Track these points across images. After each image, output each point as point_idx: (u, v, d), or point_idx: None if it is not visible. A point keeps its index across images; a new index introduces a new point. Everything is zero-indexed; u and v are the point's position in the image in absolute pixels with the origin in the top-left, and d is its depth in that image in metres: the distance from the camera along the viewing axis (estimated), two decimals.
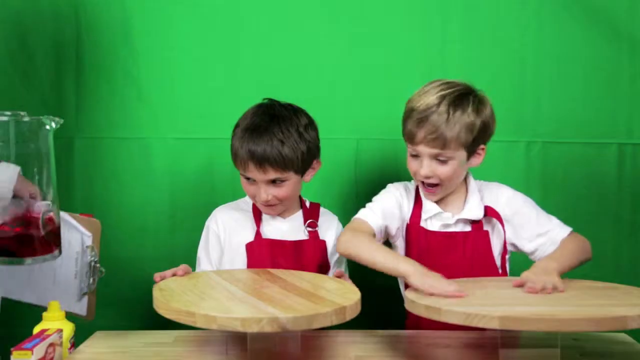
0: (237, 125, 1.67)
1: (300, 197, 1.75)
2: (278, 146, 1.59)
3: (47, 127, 1.27)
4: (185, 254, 2.00)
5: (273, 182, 1.62)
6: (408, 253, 1.65)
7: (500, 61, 1.99)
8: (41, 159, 1.26)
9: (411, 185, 1.70)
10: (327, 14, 1.99)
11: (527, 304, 1.29)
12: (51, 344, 1.25)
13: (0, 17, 1.99)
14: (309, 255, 1.67)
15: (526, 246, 1.63)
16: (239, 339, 1.42)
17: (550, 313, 1.20)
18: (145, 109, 2.00)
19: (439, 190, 1.61)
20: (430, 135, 1.56)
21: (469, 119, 1.56)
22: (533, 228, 1.61)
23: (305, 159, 1.64)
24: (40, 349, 1.21)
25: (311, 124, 1.68)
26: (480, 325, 1.18)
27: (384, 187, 2.01)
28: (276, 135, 1.60)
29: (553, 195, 1.99)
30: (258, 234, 1.68)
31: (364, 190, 2.00)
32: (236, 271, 1.57)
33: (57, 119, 1.28)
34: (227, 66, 2.00)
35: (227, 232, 1.70)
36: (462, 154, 1.59)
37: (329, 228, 1.73)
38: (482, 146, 1.60)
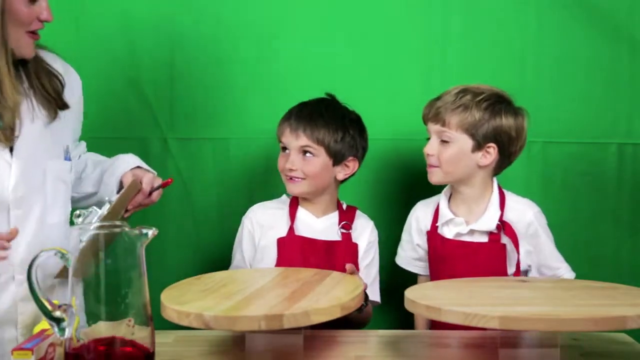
0: None
1: (337, 200, 1.78)
2: (318, 119, 1.68)
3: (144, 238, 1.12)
4: (185, 256, 2.01)
5: (303, 153, 1.68)
6: (429, 260, 1.71)
7: (500, 61, 1.99)
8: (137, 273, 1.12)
9: (436, 198, 1.73)
10: (327, 14, 1.99)
11: (527, 304, 1.30)
12: (51, 344, 1.24)
13: None
14: (340, 257, 1.68)
15: (534, 271, 1.66)
16: (239, 339, 1.43)
17: (550, 313, 1.20)
18: (145, 109, 2.00)
19: (437, 172, 1.64)
20: (436, 111, 1.62)
21: (476, 106, 1.59)
22: (545, 259, 1.65)
23: (340, 145, 1.69)
24: (40, 349, 1.21)
25: (359, 124, 1.75)
26: (480, 325, 1.18)
27: (383, 186, 2.03)
28: (321, 111, 1.69)
29: (553, 195, 1.99)
30: (291, 229, 1.70)
31: (364, 190, 2.00)
32: (303, 271, 1.56)
33: (153, 228, 1.13)
34: (227, 66, 2.00)
35: (261, 229, 1.73)
36: (466, 140, 1.60)
37: (363, 232, 1.75)
38: (491, 144, 1.60)
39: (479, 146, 1.61)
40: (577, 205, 2.00)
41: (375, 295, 1.73)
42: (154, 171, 1.61)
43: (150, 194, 1.54)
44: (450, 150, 1.61)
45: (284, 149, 1.72)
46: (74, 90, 1.60)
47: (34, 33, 1.44)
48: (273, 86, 2.00)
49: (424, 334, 1.54)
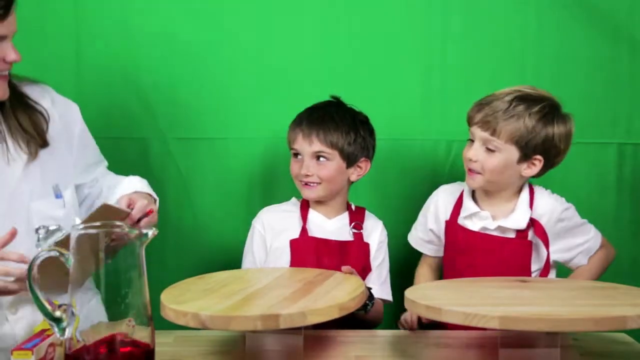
0: None
1: (347, 201, 1.79)
2: (330, 123, 1.68)
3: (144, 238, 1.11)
4: (185, 256, 2.01)
5: (317, 158, 1.68)
6: (445, 249, 1.71)
7: (500, 61, 1.99)
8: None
9: (458, 186, 1.72)
10: (327, 14, 1.99)
11: (527, 304, 1.30)
12: (51, 344, 1.25)
13: None
14: (353, 257, 1.69)
15: (564, 256, 1.65)
16: (239, 339, 1.43)
17: (550, 313, 1.20)
18: (145, 109, 2.00)
19: (480, 179, 1.61)
20: (485, 117, 1.58)
21: (529, 117, 1.56)
22: (573, 241, 1.65)
23: (352, 147, 1.69)
24: (40, 349, 1.21)
25: (368, 124, 1.75)
26: (480, 325, 1.18)
27: (383, 187, 2.02)
28: (331, 114, 1.70)
29: None
30: (304, 230, 1.71)
31: (364, 190, 2.00)
32: (306, 271, 1.56)
33: (153, 228, 1.13)
34: (227, 66, 2.00)
35: (272, 232, 1.73)
36: (513, 151, 1.58)
37: (372, 232, 1.76)
38: (538, 156, 1.59)
39: (525, 157, 1.59)
40: (577, 205, 1.99)
41: (387, 294, 1.74)
42: (155, 196, 1.58)
43: (138, 221, 1.46)
44: (497, 160, 1.58)
45: (296, 154, 1.72)
46: (70, 122, 1.58)
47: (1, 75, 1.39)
48: (273, 86, 2.00)
49: (424, 334, 1.54)
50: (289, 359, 1.34)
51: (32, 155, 1.46)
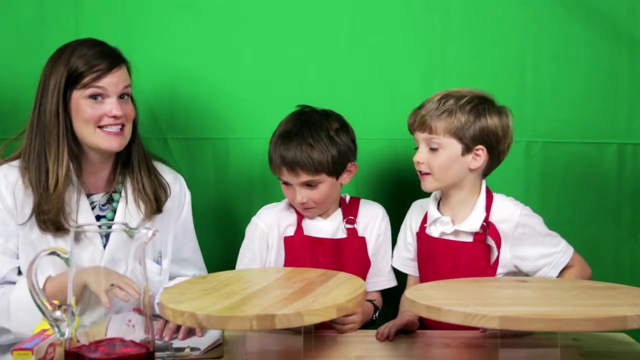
0: (273, 133, 1.72)
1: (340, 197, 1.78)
2: (307, 150, 1.64)
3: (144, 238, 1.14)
4: None
5: (307, 185, 1.66)
6: (417, 260, 1.71)
7: (500, 61, 1.98)
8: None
9: (428, 199, 1.72)
10: (327, 14, 1.99)
11: (527, 304, 1.30)
12: (51, 344, 1.24)
13: (1, 17, 2.00)
14: (348, 254, 1.70)
15: (527, 266, 1.63)
16: (239, 339, 1.43)
17: (550, 313, 1.20)
18: (145, 109, 2.00)
19: (430, 179, 1.63)
20: (421, 119, 1.61)
21: (460, 110, 1.59)
22: (537, 250, 1.62)
23: (337, 162, 1.67)
24: (40, 349, 1.21)
25: (343, 128, 1.71)
26: (480, 325, 1.18)
27: (383, 187, 2.02)
28: (306, 139, 1.65)
29: (553, 196, 1.99)
30: (299, 229, 1.71)
31: (363, 190, 2.00)
32: (309, 271, 1.55)
33: (153, 228, 1.17)
34: (227, 66, 2.00)
35: (274, 229, 1.73)
36: (455, 144, 1.59)
37: (371, 222, 1.76)
38: (480, 147, 1.60)
39: (468, 149, 1.60)
40: (577, 205, 2.00)
41: (394, 280, 1.78)
42: None
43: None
44: (441, 157, 1.61)
45: (285, 183, 1.70)
46: (182, 201, 1.75)
47: (106, 127, 1.56)
48: (273, 86, 2.00)
49: (424, 334, 1.54)
50: (289, 359, 1.34)
51: (146, 217, 1.63)
